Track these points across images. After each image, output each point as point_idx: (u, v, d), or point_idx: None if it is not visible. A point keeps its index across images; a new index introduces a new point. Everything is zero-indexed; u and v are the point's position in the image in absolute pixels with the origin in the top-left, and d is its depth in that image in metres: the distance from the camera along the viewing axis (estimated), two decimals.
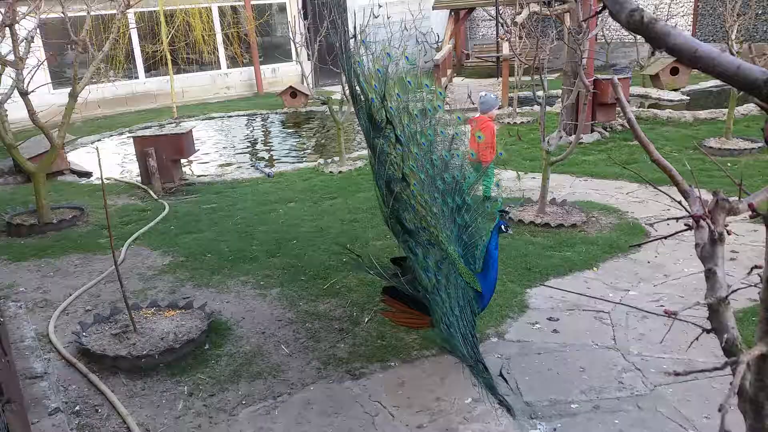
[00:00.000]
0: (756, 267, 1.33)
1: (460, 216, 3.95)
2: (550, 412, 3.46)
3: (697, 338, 1.34)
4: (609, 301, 4.68)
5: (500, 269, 5.27)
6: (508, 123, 11.49)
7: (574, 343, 4.17)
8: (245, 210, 7.58)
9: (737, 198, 1.35)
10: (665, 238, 1.63)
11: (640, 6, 1.15)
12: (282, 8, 19.84)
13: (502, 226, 3.77)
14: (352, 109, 7.22)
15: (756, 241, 5.39)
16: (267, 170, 9.48)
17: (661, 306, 4.52)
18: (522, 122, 11.45)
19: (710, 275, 1.29)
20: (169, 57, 15.12)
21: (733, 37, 8.46)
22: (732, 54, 8.44)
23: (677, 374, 1.16)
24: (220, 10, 18.37)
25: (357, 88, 3.90)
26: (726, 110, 9.25)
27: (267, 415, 3.64)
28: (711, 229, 1.28)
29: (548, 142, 6.40)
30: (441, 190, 3.97)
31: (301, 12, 18.18)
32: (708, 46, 1.03)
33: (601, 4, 1.29)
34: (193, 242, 6.53)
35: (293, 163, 10.34)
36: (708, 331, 1.28)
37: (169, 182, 8.76)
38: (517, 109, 11.94)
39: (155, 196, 8.32)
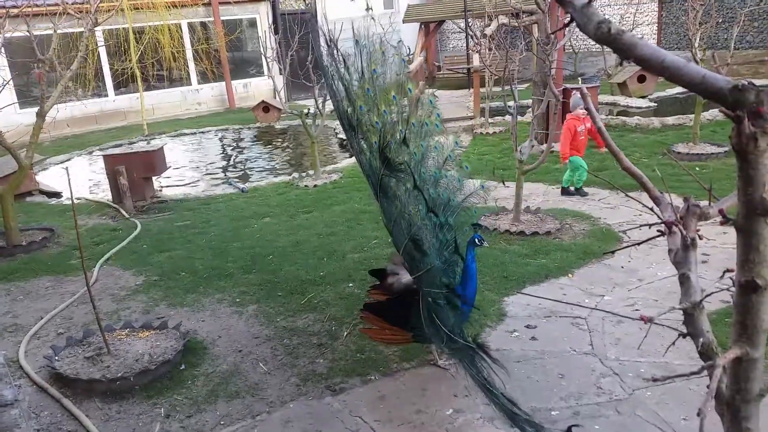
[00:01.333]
0: (728, 270, 1.35)
1: (443, 233, 3.95)
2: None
3: (673, 343, 1.35)
4: (585, 306, 4.72)
5: (478, 278, 5.30)
6: (481, 133, 11.61)
7: (553, 349, 4.19)
8: (219, 226, 7.50)
9: (708, 202, 1.38)
10: (639, 244, 1.65)
11: (607, 17, 1.17)
12: (252, 23, 19.82)
13: (477, 240, 3.77)
14: (326, 123, 7.16)
15: (726, 243, 5.50)
16: (241, 185, 9.41)
17: (637, 310, 4.58)
18: (494, 132, 11.57)
19: (684, 280, 1.30)
20: (138, 74, 14.98)
21: (696, 44, 8.68)
22: (696, 61, 8.67)
23: (655, 380, 1.17)
24: (190, 26, 18.29)
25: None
26: (692, 116, 9.46)
27: None
28: (683, 234, 1.30)
29: (521, 151, 6.46)
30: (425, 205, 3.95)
31: (272, 27, 18.19)
32: (674, 56, 1.05)
33: (569, 16, 1.31)
34: (167, 261, 6.44)
35: (267, 177, 10.29)
36: (684, 336, 1.29)
37: (141, 200, 8.64)
38: (489, 120, 12.06)
39: (127, 215, 8.20)
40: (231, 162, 12.24)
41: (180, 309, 5.30)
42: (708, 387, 1.06)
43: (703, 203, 1.43)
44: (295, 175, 9.77)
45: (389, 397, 3.81)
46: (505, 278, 5.31)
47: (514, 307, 4.83)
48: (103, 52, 16.50)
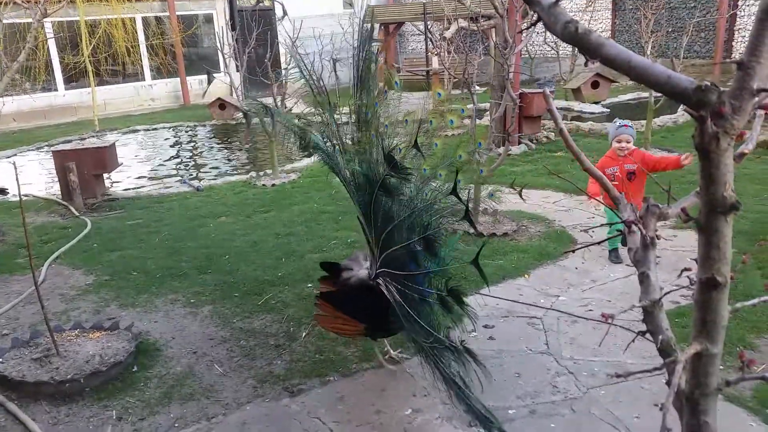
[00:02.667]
0: (686, 269, 1.38)
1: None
2: None
3: (633, 340, 1.38)
4: (541, 306, 4.80)
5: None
6: (440, 135, 11.69)
7: (509, 349, 4.24)
8: (173, 225, 7.34)
9: (666, 204, 1.41)
10: (599, 243, 1.67)
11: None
12: (209, 19, 19.51)
13: None
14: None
15: (675, 246, 5.67)
16: (196, 184, 9.23)
17: (590, 311, 4.68)
18: (453, 135, 11.66)
19: (644, 279, 1.33)
20: (90, 68, 14.54)
21: (648, 52, 8.95)
22: None
23: (618, 376, 1.19)
24: (145, 20, 17.88)
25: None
26: (644, 122, 9.74)
27: None
28: (643, 234, 1.33)
29: (479, 153, 6.53)
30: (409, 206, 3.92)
31: (229, 23, 17.94)
32: (640, 57, 1.07)
33: (534, 17, 1.32)
34: (118, 260, 6.26)
35: (223, 176, 10.12)
36: (642, 333, 1.32)
37: (92, 198, 8.38)
38: None
39: (77, 213, 7.95)
40: (185, 159, 12.00)
41: (132, 309, 5.16)
42: (666, 383, 1.09)
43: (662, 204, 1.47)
44: (253, 173, 9.64)
45: (348, 398, 3.79)
46: (463, 278, 5.34)
47: (472, 307, 4.86)
48: (53, 44, 15.98)
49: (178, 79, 18.37)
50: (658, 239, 1.39)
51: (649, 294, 1.29)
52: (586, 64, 13.95)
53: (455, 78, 10.23)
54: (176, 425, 3.62)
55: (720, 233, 1.09)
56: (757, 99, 0.98)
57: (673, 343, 1.26)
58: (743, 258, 1.47)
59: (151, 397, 3.91)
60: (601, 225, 6.27)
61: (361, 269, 3.98)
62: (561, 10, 1.12)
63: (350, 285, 3.89)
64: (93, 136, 13.42)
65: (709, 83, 0.99)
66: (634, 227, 1.36)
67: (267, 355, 4.35)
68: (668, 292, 1.35)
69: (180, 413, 3.73)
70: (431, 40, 16.36)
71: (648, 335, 1.29)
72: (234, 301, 5.20)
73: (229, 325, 4.81)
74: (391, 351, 4.14)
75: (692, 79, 1.02)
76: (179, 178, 10.14)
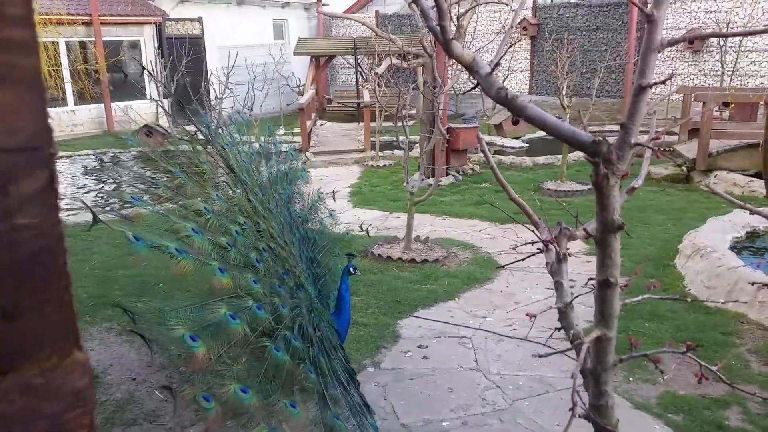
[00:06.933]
0: (590, 279, 1.70)
1: (312, 268, 4.21)
2: None
3: (551, 336, 1.68)
4: (470, 327, 5.13)
5: (373, 303, 5.58)
6: (371, 166, 12.06)
7: (443, 367, 4.52)
8: (102, 253, 7.24)
9: (575, 227, 1.74)
10: (523, 259, 1.98)
11: (486, 64, 1.48)
12: (134, 45, 19.30)
13: (351, 269, 3.95)
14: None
15: (590, 270, 6.17)
16: (123, 212, 9.11)
17: (514, 329, 5.04)
18: (384, 165, 12.06)
19: (558, 287, 1.64)
20: None
21: (564, 91, 9.67)
22: (563, 106, 9.68)
23: (541, 356, 1.47)
24: (68, 45, 17.50)
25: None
26: (560, 156, 10.46)
27: None
28: (557, 250, 1.64)
29: (411, 184, 6.89)
30: (298, 239, 4.23)
31: (158, 50, 17.84)
32: (553, 117, 1.39)
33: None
34: None
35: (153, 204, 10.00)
36: (558, 329, 1.62)
37: None
38: (380, 153, 12.56)
39: None
40: (109, 187, 11.79)
41: None
42: (577, 360, 1.38)
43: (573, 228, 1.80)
44: None
45: None
46: (398, 302, 5.63)
47: (407, 329, 5.14)
48: None
49: (103, 105, 17.99)
50: (570, 256, 1.70)
51: (563, 298, 1.60)
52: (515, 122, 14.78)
53: (386, 111, 10.65)
54: None
55: (611, 246, 1.42)
56: (633, 150, 1.32)
57: (581, 336, 1.57)
58: (636, 269, 1.79)
59: None
60: (532, 243, 6.73)
61: None
62: (495, 79, 1.43)
63: None
64: None
65: (601, 138, 1.32)
66: (550, 246, 1.67)
67: (206, 380, 4.42)
68: (577, 296, 1.66)
69: None
70: (362, 74, 16.85)
71: (563, 332, 1.59)
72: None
73: (167, 351, 4.86)
74: None
75: (590, 134, 1.34)
76: (106, 205, 9.97)
